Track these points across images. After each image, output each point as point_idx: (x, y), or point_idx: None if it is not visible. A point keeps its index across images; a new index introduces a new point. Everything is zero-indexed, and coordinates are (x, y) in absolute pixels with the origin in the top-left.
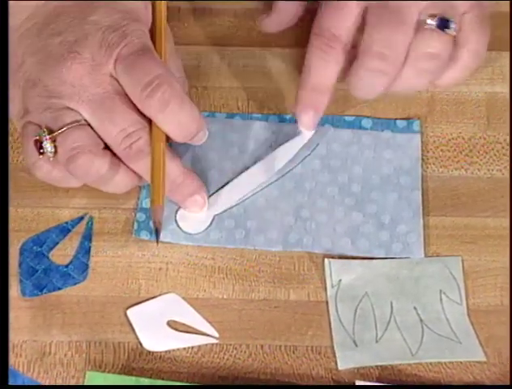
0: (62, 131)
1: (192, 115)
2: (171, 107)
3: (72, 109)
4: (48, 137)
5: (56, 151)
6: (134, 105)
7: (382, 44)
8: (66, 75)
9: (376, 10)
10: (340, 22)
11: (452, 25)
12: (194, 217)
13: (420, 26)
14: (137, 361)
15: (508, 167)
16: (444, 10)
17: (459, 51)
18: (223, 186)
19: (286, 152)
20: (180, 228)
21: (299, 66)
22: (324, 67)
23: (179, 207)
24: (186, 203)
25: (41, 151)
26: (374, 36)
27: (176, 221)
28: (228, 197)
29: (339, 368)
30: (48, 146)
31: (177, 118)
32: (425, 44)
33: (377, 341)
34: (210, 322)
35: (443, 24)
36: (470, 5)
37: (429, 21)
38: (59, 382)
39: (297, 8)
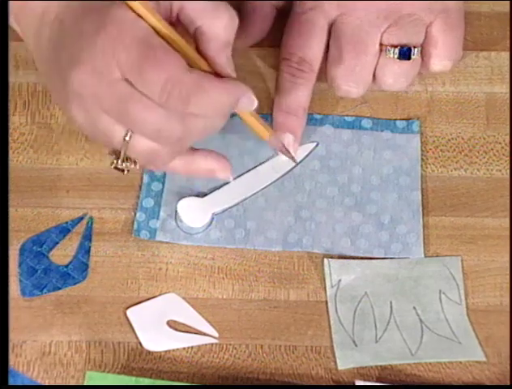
0: (125, 152)
1: (218, 93)
2: (194, 101)
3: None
4: (120, 162)
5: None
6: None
7: (347, 73)
8: (80, 90)
9: (337, 39)
10: (306, 44)
11: (414, 51)
12: (194, 210)
13: (383, 50)
14: (137, 360)
15: (507, 167)
16: (406, 30)
17: (429, 59)
18: (222, 186)
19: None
20: (179, 228)
21: None
22: (296, 90)
23: (180, 198)
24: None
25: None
26: (337, 67)
27: (176, 217)
28: (228, 197)
29: (339, 368)
30: (127, 166)
31: (206, 105)
32: (389, 70)
33: (376, 341)
34: (209, 322)
35: (405, 54)
36: (435, 15)
37: (391, 52)
38: (59, 382)
39: (262, 27)
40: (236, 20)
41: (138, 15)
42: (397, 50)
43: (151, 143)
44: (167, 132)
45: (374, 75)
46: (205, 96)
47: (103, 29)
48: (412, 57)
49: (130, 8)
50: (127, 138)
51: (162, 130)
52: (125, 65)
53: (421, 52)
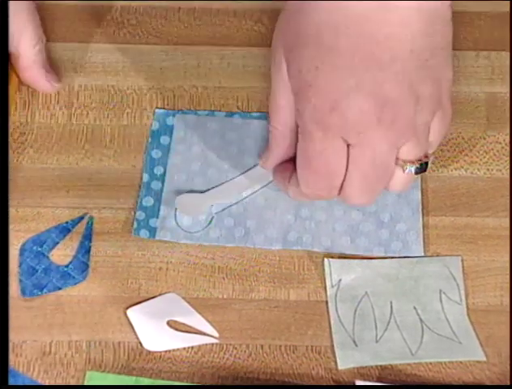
0: None
1: None
2: None
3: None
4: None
5: None
6: None
7: (369, 197)
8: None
9: (357, 168)
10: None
11: (429, 161)
12: (193, 206)
13: (399, 164)
14: (137, 360)
15: (507, 167)
16: (421, 142)
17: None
18: (221, 185)
19: None
20: (179, 227)
21: None
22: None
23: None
24: None
25: None
26: (362, 196)
27: (175, 216)
28: (227, 196)
29: (339, 368)
30: None
31: None
32: (403, 181)
33: (377, 341)
34: (210, 322)
35: (423, 169)
36: (434, 113)
37: (409, 168)
38: (59, 382)
39: (290, 146)
40: (44, 40)
41: None
42: (413, 168)
43: None
44: None
45: None
46: None
47: None
48: (428, 167)
49: None
50: None
51: None
52: None
53: None
